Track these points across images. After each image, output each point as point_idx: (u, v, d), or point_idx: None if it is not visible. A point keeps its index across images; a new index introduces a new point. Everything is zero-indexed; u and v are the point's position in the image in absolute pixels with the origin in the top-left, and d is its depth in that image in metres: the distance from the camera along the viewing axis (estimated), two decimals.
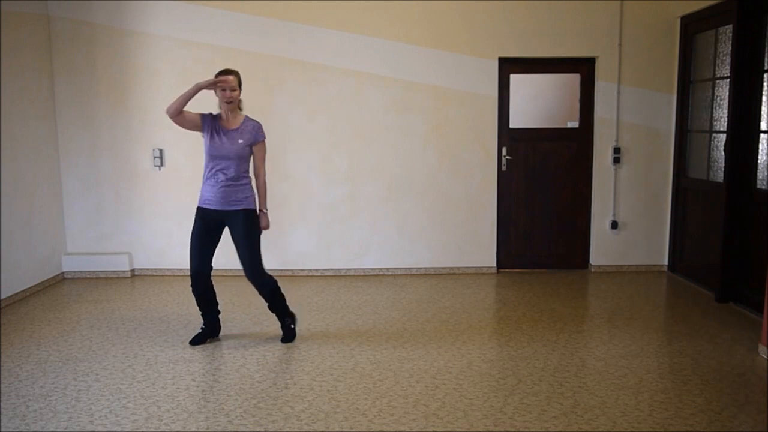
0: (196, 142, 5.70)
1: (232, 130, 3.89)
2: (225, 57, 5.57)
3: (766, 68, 4.53)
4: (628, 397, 3.27)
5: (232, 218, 3.90)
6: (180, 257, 5.89)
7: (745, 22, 4.62)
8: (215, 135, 3.88)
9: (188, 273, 5.83)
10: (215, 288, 4.10)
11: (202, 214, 3.93)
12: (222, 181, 3.86)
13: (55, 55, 5.65)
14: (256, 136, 3.94)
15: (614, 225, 5.86)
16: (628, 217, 5.87)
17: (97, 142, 5.76)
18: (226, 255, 5.84)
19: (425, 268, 5.90)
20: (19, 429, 3.01)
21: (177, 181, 5.79)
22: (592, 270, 5.94)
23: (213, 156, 3.87)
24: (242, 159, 3.90)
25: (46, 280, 5.56)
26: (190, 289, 4.05)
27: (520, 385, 3.44)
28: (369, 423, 3.03)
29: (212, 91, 3.94)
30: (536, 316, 4.63)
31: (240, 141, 3.88)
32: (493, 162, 5.80)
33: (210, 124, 3.90)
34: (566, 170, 5.89)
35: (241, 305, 4.94)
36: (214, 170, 3.87)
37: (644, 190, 5.85)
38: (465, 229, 5.86)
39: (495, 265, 5.92)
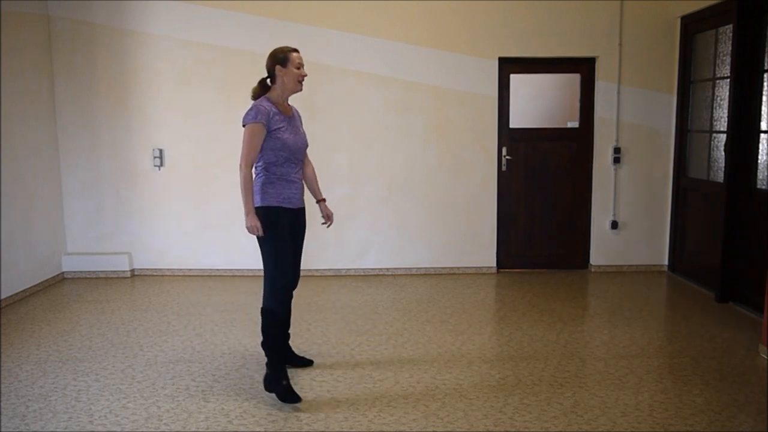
0: (196, 142, 5.74)
1: (292, 117, 3.42)
2: (225, 57, 5.58)
3: (766, 68, 4.52)
4: (628, 397, 3.27)
5: (300, 216, 3.49)
6: (180, 257, 5.89)
7: (745, 22, 4.62)
8: (288, 127, 3.35)
9: (188, 273, 5.95)
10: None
11: (289, 215, 3.36)
12: (299, 175, 3.44)
13: (55, 55, 5.65)
14: (301, 120, 3.54)
15: (614, 225, 5.86)
16: (628, 217, 5.87)
17: (97, 142, 5.76)
18: (221, 254, 5.87)
19: (425, 268, 5.90)
20: (19, 429, 3.01)
21: (177, 181, 5.79)
22: (592, 270, 5.94)
23: (293, 151, 3.35)
24: None
25: (46, 280, 5.56)
26: (275, 318, 3.36)
27: (520, 385, 3.44)
28: (369, 423, 3.03)
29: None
30: (536, 316, 4.63)
31: (302, 128, 3.51)
32: (493, 162, 5.80)
33: (273, 118, 3.30)
34: (566, 170, 5.89)
35: (241, 305, 4.93)
36: (293, 165, 3.37)
37: (644, 190, 5.85)
38: (465, 229, 5.86)
39: (495, 265, 5.92)
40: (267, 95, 3.35)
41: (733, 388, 3.39)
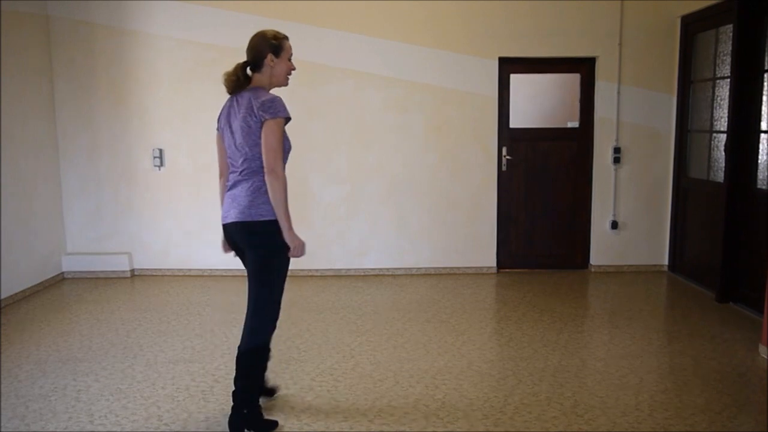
0: (196, 142, 5.74)
1: None
2: (225, 57, 5.55)
3: (766, 68, 4.52)
4: (628, 397, 3.27)
5: None
6: (180, 257, 5.89)
7: (746, 22, 4.62)
8: None
9: (188, 273, 5.95)
10: None
11: None
12: None
13: (55, 55, 5.64)
14: None
15: (614, 225, 5.85)
16: (628, 217, 5.87)
17: (97, 141, 5.76)
18: (221, 254, 5.85)
19: (425, 268, 5.90)
20: (19, 429, 3.01)
21: (177, 181, 5.79)
22: (592, 270, 5.94)
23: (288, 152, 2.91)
24: None
25: (46, 280, 5.56)
26: (268, 340, 2.95)
27: (520, 385, 3.44)
28: (369, 423, 3.03)
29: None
30: (536, 316, 4.63)
31: None
32: (493, 162, 5.80)
33: None
34: (566, 170, 5.89)
35: (241, 305, 4.93)
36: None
37: (644, 190, 5.85)
38: (465, 229, 5.86)
39: (495, 265, 5.92)
40: (258, 86, 2.83)
41: (733, 388, 3.39)
